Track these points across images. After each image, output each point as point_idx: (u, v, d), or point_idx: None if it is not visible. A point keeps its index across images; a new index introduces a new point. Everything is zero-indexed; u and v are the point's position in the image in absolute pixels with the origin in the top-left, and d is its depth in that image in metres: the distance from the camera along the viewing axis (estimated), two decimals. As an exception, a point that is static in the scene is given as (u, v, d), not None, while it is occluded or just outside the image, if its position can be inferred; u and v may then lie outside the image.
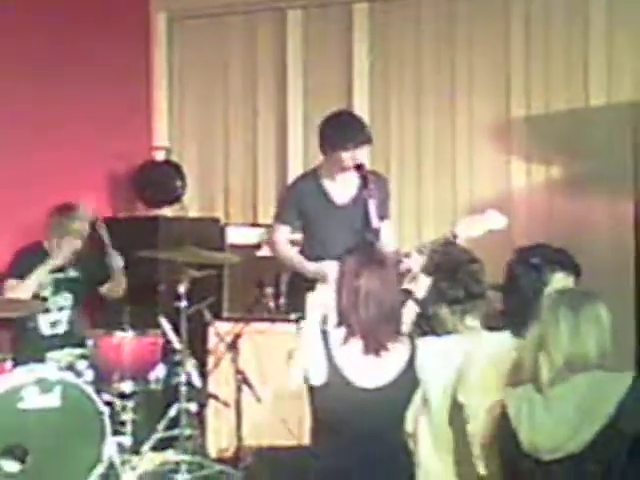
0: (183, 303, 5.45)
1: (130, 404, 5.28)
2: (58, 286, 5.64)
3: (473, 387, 3.52)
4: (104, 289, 5.80)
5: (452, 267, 3.96)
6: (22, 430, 4.66)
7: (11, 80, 5.92)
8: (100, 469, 4.82)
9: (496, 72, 6.38)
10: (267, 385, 5.64)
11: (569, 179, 6.22)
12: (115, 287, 5.79)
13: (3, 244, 5.76)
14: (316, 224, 4.84)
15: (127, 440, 5.25)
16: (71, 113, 6.30)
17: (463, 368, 3.59)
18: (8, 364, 4.96)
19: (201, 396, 5.69)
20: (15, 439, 4.65)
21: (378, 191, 4.78)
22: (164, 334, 5.53)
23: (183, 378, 5.39)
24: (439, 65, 6.54)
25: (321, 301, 3.77)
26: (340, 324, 3.61)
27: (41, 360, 5.11)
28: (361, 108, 6.48)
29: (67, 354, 5.28)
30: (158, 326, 5.54)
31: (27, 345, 5.47)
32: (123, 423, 5.26)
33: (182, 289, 5.45)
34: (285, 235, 4.92)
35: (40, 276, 5.48)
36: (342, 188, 4.84)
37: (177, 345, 5.49)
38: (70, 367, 5.14)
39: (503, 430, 3.21)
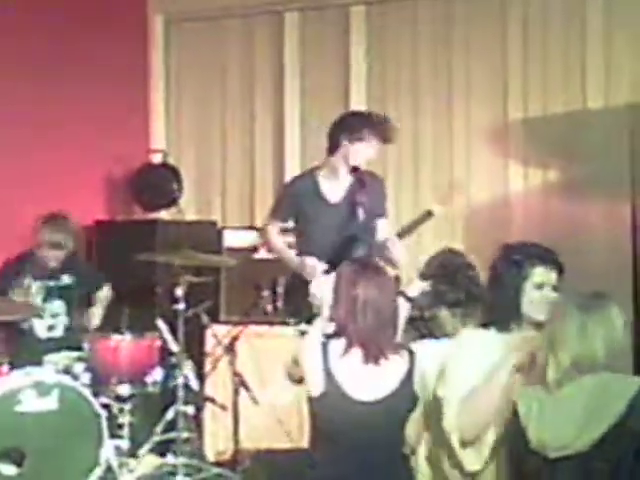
0: (180, 306, 5.44)
1: (127, 407, 5.28)
2: (50, 294, 5.64)
3: (450, 379, 3.51)
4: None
5: (452, 270, 3.98)
6: (19, 433, 4.65)
7: (11, 80, 5.93)
8: (98, 472, 4.82)
9: (493, 75, 6.38)
10: (265, 388, 5.63)
11: (567, 182, 6.21)
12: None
13: (2, 244, 5.75)
14: (309, 221, 4.98)
15: (124, 443, 5.24)
16: (70, 113, 6.31)
17: (444, 362, 3.59)
18: (5, 367, 4.96)
19: (198, 399, 5.69)
20: (12, 442, 4.64)
21: (374, 191, 4.90)
22: (161, 337, 5.52)
23: (180, 381, 5.38)
24: (436, 68, 6.54)
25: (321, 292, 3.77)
26: (338, 334, 3.59)
27: (38, 363, 5.12)
28: (358, 111, 6.48)
29: (64, 357, 5.30)
30: (155, 329, 5.53)
31: (24, 348, 5.47)
32: (120, 426, 5.25)
33: (179, 292, 5.44)
34: (276, 229, 5.14)
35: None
36: (336, 187, 4.95)
37: (174, 348, 5.48)
38: (67, 370, 5.15)
39: (513, 428, 3.23)
